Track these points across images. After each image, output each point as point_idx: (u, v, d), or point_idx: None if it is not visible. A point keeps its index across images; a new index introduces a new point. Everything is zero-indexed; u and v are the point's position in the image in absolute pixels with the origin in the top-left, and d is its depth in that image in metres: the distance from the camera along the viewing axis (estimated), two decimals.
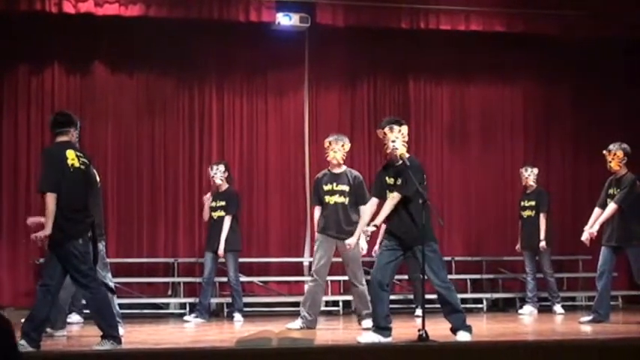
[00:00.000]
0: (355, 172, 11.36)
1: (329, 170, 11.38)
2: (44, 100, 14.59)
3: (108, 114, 14.89)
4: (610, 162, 11.93)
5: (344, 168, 11.34)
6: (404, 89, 16.15)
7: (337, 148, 11.26)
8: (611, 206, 11.75)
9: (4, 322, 4.34)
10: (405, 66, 16.04)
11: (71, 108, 14.23)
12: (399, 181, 9.29)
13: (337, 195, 11.19)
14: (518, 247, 14.46)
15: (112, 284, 10.40)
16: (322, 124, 15.30)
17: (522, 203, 14.39)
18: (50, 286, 8.66)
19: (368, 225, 9.65)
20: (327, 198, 11.21)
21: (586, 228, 12.05)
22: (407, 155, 9.34)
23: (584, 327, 11.48)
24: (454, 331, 9.29)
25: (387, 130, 9.38)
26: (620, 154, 11.89)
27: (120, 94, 15.04)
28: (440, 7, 15.02)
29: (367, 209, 9.77)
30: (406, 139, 9.42)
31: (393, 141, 9.32)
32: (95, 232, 8.94)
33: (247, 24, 14.65)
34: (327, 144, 11.35)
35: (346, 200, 11.14)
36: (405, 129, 9.44)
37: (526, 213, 14.31)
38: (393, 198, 9.23)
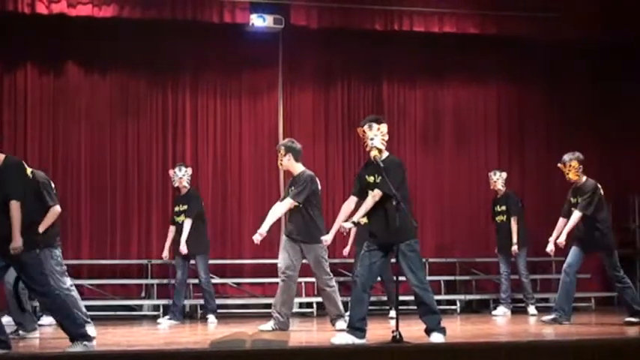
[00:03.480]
0: (307, 172, 11.32)
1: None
2: (17, 100, 14.54)
3: (81, 114, 14.86)
4: (567, 174, 11.99)
5: (301, 169, 11.34)
6: (378, 90, 16.18)
7: (279, 156, 11.38)
8: (576, 214, 11.79)
9: None
10: (379, 67, 16.06)
11: (44, 108, 14.43)
12: (379, 179, 9.31)
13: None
14: (496, 250, 14.53)
15: (72, 288, 10.35)
16: (296, 125, 15.32)
17: (495, 208, 14.42)
18: None
19: (346, 222, 9.65)
20: None
21: (550, 239, 12.10)
22: (385, 154, 9.38)
23: (553, 328, 11.51)
24: (428, 332, 9.30)
25: (365, 128, 9.40)
26: (575, 164, 11.94)
27: (93, 94, 15.01)
28: (413, 9, 15.06)
29: (345, 206, 9.72)
30: (386, 137, 9.42)
31: (372, 139, 9.33)
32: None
33: (221, 25, 14.67)
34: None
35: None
36: (384, 127, 9.44)
37: (499, 218, 14.36)
38: (374, 196, 9.23)
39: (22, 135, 14.19)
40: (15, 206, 8.50)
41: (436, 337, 9.22)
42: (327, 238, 10.60)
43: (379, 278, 12.34)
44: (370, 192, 9.35)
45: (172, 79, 15.34)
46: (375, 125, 9.42)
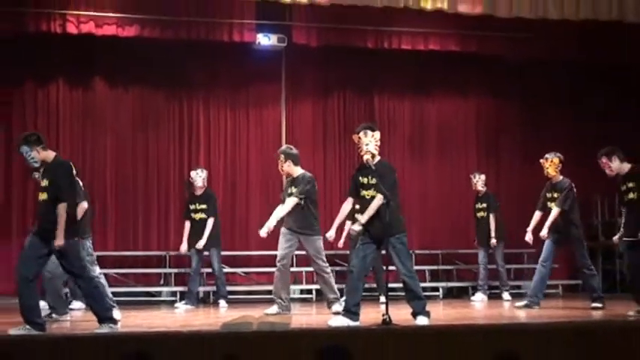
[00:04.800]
0: (307, 174, 11.31)
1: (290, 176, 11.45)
2: (49, 112, 14.53)
3: (107, 124, 14.83)
4: (547, 168, 11.95)
5: (300, 172, 11.30)
6: (370, 103, 16.13)
7: (279, 163, 11.41)
8: (555, 210, 11.74)
9: None
10: (371, 82, 16.02)
11: (74, 120, 14.40)
12: (373, 181, 9.28)
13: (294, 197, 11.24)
14: (475, 243, 14.50)
15: (100, 276, 10.38)
16: (297, 134, 15.27)
17: (477, 205, 14.40)
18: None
19: (353, 224, 9.62)
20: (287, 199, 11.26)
21: (528, 229, 12.06)
22: (378, 158, 9.35)
23: (523, 311, 11.46)
24: (414, 315, 9.27)
25: (361, 134, 9.37)
26: (556, 161, 11.94)
27: (117, 106, 14.97)
28: (402, 29, 14.95)
29: (345, 207, 9.76)
30: (378, 143, 9.39)
31: (367, 144, 9.31)
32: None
33: (231, 44, 14.60)
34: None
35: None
36: (377, 134, 9.43)
37: (480, 214, 14.32)
38: (379, 199, 9.18)
39: (54, 142, 14.08)
40: (62, 207, 8.53)
41: (421, 320, 9.19)
42: (331, 235, 10.56)
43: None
44: (365, 192, 9.33)
45: (187, 92, 15.29)
46: (369, 132, 9.41)
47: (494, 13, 13.53)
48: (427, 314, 9.25)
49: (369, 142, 9.35)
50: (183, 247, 13.07)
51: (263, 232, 10.91)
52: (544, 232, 11.77)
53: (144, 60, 14.76)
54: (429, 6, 13.23)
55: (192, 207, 13.07)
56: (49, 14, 13.58)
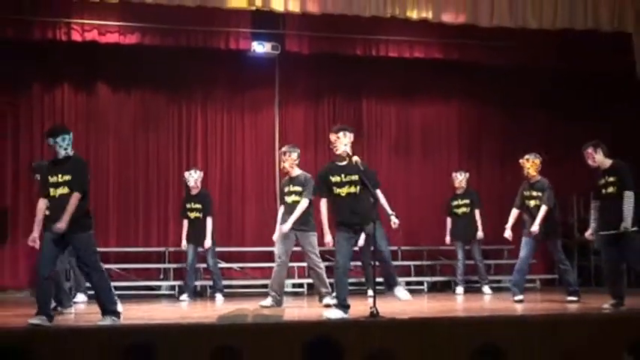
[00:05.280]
0: (307, 174, 11.31)
1: (288, 176, 11.42)
2: (55, 115, 14.46)
3: (110, 127, 14.82)
4: (528, 168, 11.91)
5: (299, 172, 11.31)
6: (358, 107, 16.16)
7: (285, 159, 11.34)
8: (544, 208, 11.68)
9: None
10: (360, 87, 16.04)
11: (78, 122, 14.38)
12: (347, 179, 9.29)
13: (293, 195, 11.19)
14: (448, 239, 14.48)
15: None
16: (290, 136, 15.24)
17: (456, 202, 14.37)
18: None
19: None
20: (286, 198, 11.23)
21: (507, 226, 12.03)
22: (355, 158, 9.32)
23: (505, 304, 11.47)
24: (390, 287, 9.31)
25: (340, 134, 9.40)
26: (537, 161, 11.93)
27: (119, 110, 14.96)
28: (388, 38, 14.97)
29: (324, 209, 9.49)
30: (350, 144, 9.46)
31: (345, 144, 9.37)
32: None
33: (227, 51, 14.61)
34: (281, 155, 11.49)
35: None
36: (352, 136, 9.48)
37: (461, 210, 14.30)
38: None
39: None
40: (76, 197, 8.52)
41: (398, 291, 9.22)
42: (329, 240, 9.80)
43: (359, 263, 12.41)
44: (338, 190, 9.31)
45: (186, 96, 15.29)
46: (348, 134, 9.45)
47: (476, 22, 13.53)
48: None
49: (347, 143, 9.39)
50: (184, 244, 13.09)
51: (285, 228, 10.81)
52: (535, 229, 11.71)
53: (145, 66, 14.75)
54: (414, 16, 13.23)
55: (188, 206, 13.11)
56: (55, 23, 13.58)
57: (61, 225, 8.44)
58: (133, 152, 14.96)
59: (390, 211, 9.77)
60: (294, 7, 12.79)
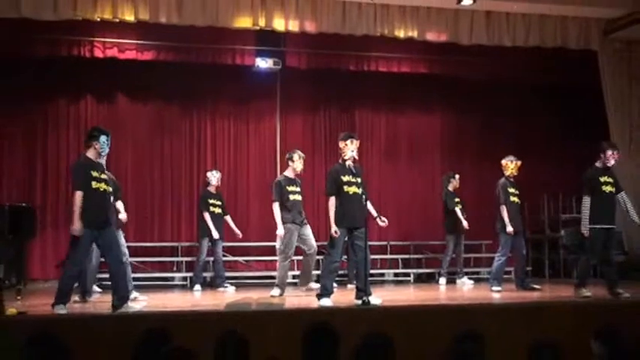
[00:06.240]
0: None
1: (290, 176, 11.50)
2: (79, 124, 14.44)
3: (128, 134, 14.78)
4: (512, 169, 11.98)
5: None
6: (351, 117, 16.14)
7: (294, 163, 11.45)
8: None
9: None
10: (352, 99, 16.02)
11: None
12: (354, 180, 9.38)
13: (297, 194, 11.31)
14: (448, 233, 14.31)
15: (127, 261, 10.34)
16: (290, 143, 15.18)
17: (455, 200, 14.24)
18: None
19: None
20: (290, 196, 11.25)
21: (507, 222, 11.82)
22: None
23: (483, 293, 11.48)
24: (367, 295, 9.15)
25: (348, 142, 9.48)
26: (519, 163, 12.04)
27: (137, 119, 14.94)
28: (379, 54, 14.98)
29: (333, 206, 9.45)
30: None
31: (352, 150, 9.45)
32: None
33: (233, 66, 14.64)
34: (297, 157, 11.43)
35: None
36: (358, 142, 9.62)
37: (458, 207, 14.15)
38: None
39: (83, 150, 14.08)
40: (74, 196, 8.31)
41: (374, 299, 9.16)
42: (336, 230, 9.44)
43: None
44: (348, 188, 9.32)
45: (197, 107, 15.28)
46: (355, 141, 9.54)
47: (457, 40, 13.56)
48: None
49: (355, 149, 9.47)
50: (215, 234, 12.89)
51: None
52: (511, 229, 11.74)
53: (160, 80, 14.73)
54: (401, 35, 13.25)
55: (210, 202, 13.07)
56: (79, 41, 13.61)
57: (72, 227, 8.30)
58: (149, 157, 14.95)
59: (375, 214, 9.65)
60: (294, 26, 12.82)
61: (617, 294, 10.12)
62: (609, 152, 10.43)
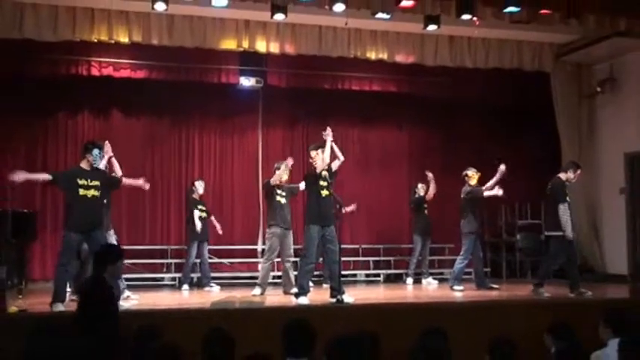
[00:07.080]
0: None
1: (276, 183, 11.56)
2: (77, 137, 14.30)
3: (122, 146, 14.54)
4: (473, 180, 12.10)
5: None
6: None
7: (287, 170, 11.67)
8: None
9: None
10: (328, 115, 15.85)
11: None
12: (328, 183, 9.70)
13: (282, 197, 11.43)
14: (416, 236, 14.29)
15: None
16: (271, 155, 15.16)
17: (423, 205, 14.26)
18: None
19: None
20: (277, 197, 11.46)
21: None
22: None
23: (447, 292, 11.49)
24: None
25: (319, 151, 9.90)
26: (478, 175, 12.12)
27: (130, 132, 14.81)
28: (352, 74, 15.00)
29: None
30: None
31: (322, 159, 9.80)
32: None
33: (219, 84, 14.60)
34: (284, 167, 11.60)
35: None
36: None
37: (426, 212, 14.21)
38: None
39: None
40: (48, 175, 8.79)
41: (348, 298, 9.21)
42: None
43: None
44: (323, 192, 9.45)
45: (185, 122, 15.20)
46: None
47: (423, 62, 13.63)
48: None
49: (325, 158, 9.79)
50: (199, 225, 12.77)
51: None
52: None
53: (151, 97, 14.65)
54: (372, 56, 13.30)
55: (199, 207, 13.01)
56: (77, 61, 13.54)
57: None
58: (141, 168, 14.78)
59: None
60: (275, 48, 12.84)
61: (580, 293, 10.20)
62: (578, 172, 10.65)
